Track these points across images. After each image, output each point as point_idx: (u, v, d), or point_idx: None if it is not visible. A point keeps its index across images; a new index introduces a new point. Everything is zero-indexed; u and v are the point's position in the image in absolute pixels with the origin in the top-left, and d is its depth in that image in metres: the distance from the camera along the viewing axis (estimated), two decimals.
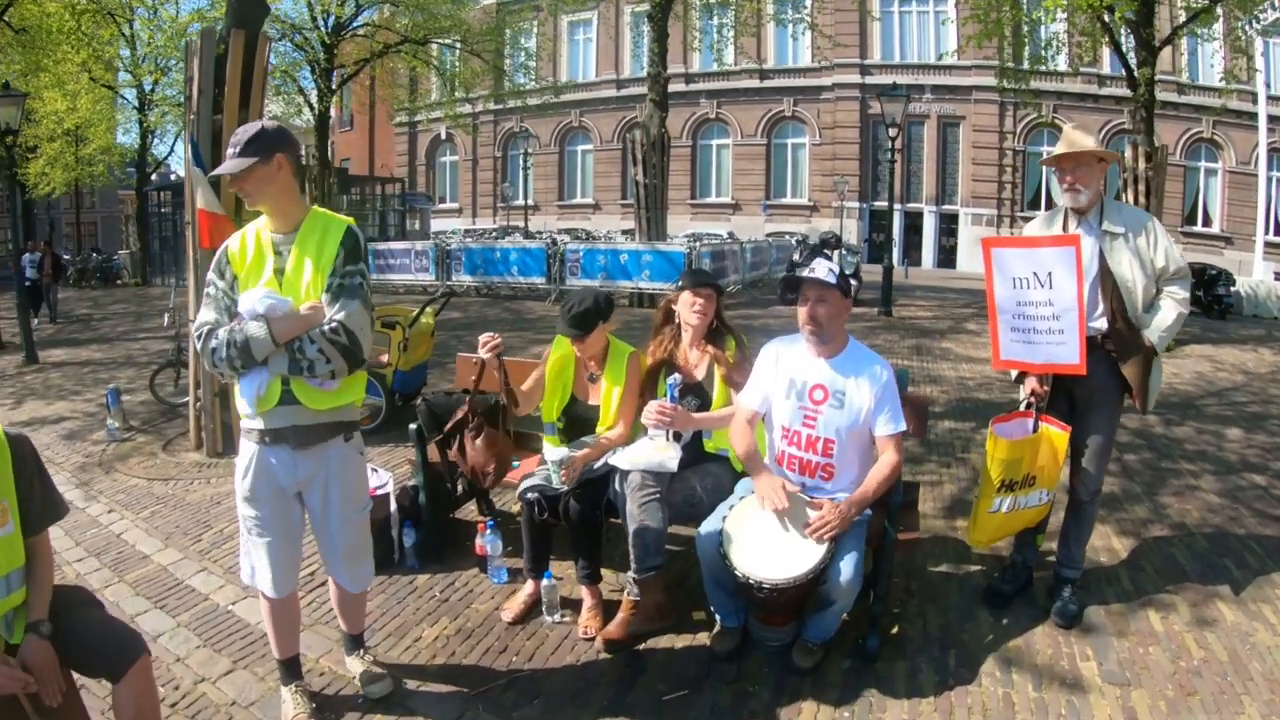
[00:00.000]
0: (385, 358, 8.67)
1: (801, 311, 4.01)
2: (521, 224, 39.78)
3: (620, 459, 4.31)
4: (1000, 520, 4.44)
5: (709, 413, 4.49)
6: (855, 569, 3.75)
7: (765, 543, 3.82)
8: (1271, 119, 32.63)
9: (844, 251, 20.63)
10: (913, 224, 41.46)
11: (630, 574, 4.34)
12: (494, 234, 35.26)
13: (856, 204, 41.63)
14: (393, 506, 5.28)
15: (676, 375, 4.38)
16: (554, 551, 4.77)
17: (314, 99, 26.31)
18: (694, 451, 4.57)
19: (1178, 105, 36.08)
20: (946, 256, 41.88)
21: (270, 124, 3.39)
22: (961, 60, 37.31)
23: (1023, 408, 4.56)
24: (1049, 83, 26.79)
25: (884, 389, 4.02)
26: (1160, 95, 32.02)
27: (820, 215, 42.16)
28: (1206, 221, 38.84)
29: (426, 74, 32.37)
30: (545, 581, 4.58)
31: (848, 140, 42.20)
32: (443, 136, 51.86)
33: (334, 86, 26.83)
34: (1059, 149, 4.43)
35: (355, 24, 26.57)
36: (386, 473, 5.59)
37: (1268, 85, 29.23)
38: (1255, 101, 33.93)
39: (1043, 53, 20.91)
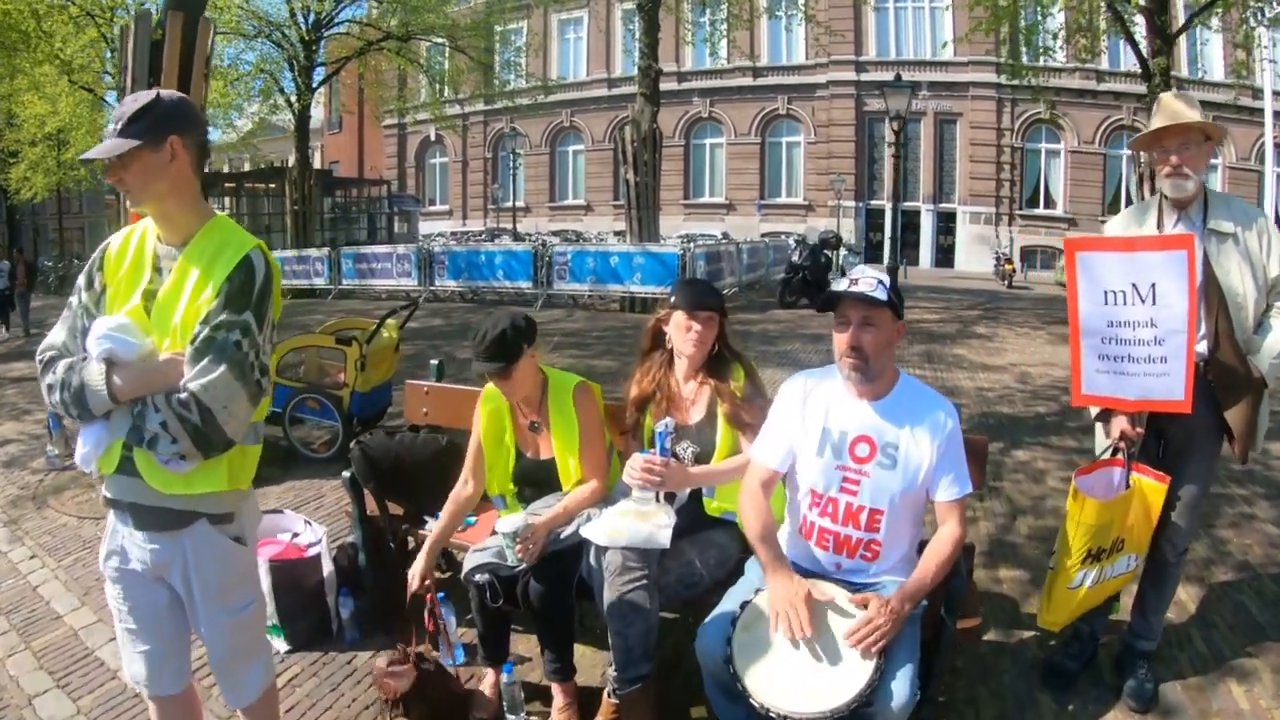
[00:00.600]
0: (342, 377, 7.89)
1: (840, 339, 3.04)
2: (512, 226, 38.92)
3: (596, 531, 3.32)
4: (1082, 596, 3.53)
5: (710, 466, 3.57)
6: (910, 685, 2.74)
7: (791, 660, 2.81)
8: (1276, 115, 31.93)
9: (845, 252, 19.79)
10: (910, 223, 40.60)
11: (610, 685, 3.43)
12: (481, 236, 34.40)
13: (853, 203, 40.96)
14: (326, 569, 4.36)
15: (668, 420, 3.46)
16: (517, 624, 3.95)
17: (293, 98, 25.54)
18: (692, 515, 3.58)
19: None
20: (944, 256, 41.22)
21: (169, 96, 2.45)
22: (958, 56, 36.97)
23: (1107, 454, 3.64)
24: (1046, 79, 26.20)
25: (948, 441, 3.05)
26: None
27: (816, 215, 41.48)
28: None
29: (414, 74, 31.66)
30: (505, 677, 3.62)
31: (843, 138, 41.54)
32: (432, 138, 51.26)
33: (314, 85, 26.05)
34: (1157, 122, 3.50)
35: (337, 21, 25.75)
36: (320, 527, 4.64)
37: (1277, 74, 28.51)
38: (1255, 97, 33.26)
39: (1047, 44, 20.13)
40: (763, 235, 34.91)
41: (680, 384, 3.73)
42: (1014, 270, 32.25)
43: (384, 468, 4.26)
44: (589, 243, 24.45)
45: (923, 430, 3.04)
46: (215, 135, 29.27)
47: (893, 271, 18.60)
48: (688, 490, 3.57)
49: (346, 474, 4.39)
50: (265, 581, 4.14)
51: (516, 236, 33.28)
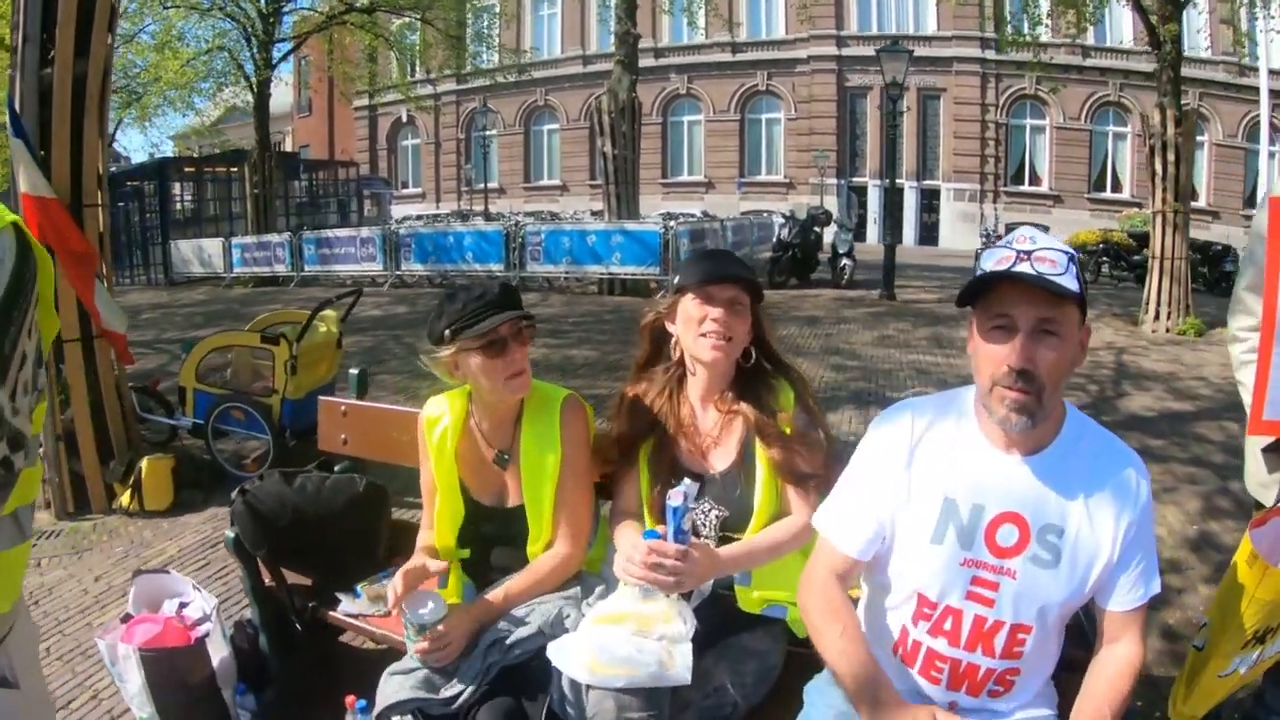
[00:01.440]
0: (271, 383, 6.74)
1: (994, 354, 1.89)
2: (484, 208, 37.68)
3: (570, 657, 2.19)
4: (1233, 683, 2.49)
5: (748, 541, 2.47)
6: None
7: None
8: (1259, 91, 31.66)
9: (837, 228, 18.72)
10: (893, 199, 39.71)
11: None
12: (447, 218, 33.04)
13: (835, 180, 39.73)
14: (219, 656, 3.21)
15: (686, 484, 2.30)
16: None
17: (253, 76, 24.23)
18: (719, 612, 2.45)
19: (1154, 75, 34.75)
20: (928, 233, 40.16)
21: None
22: (942, 31, 36.34)
23: None
24: (1035, 54, 25.52)
25: (1139, 519, 1.96)
26: (1146, 66, 31.79)
27: (797, 192, 40.16)
28: (1193, 195, 37.43)
29: (384, 52, 30.34)
30: None
31: (824, 114, 40.30)
32: (404, 119, 49.59)
33: (274, 62, 24.71)
34: None
35: None
36: (211, 598, 3.41)
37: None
38: (1241, 74, 33.12)
39: (1035, 17, 19.28)
40: (743, 213, 33.75)
41: (696, 411, 2.60)
42: None
43: (279, 526, 3.10)
44: (564, 222, 23.11)
45: (1104, 503, 1.95)
46: (180, 120, 27.92)
47: (890, 249, 17.44)
48: (712, 580, 2.42)
49: (230, 533, 3.19)
50: (137, 677, 3.05)
51: (489, 217, 31.97)
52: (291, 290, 20.41)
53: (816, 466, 2.44)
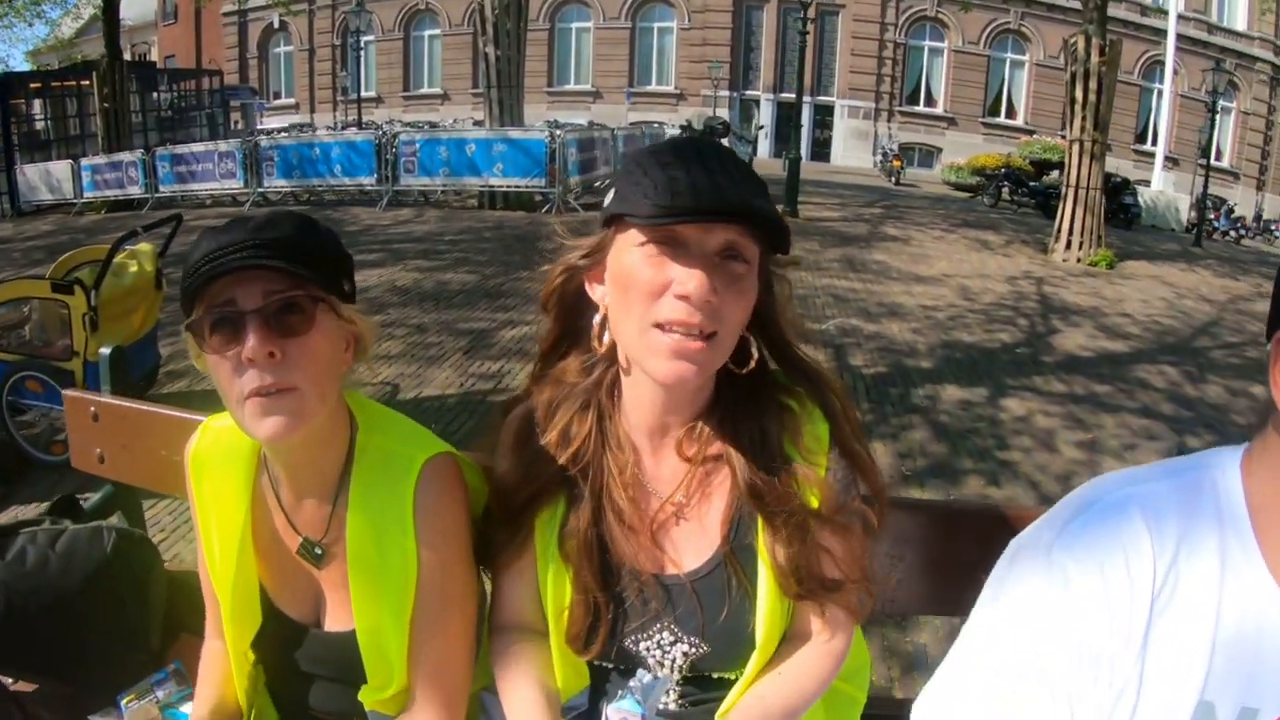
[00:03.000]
0: (69, 343, 5.36)
1: None
2: (359, 118, 35.81)
3: None
4: None
5: (751, 704, 1.30)
6: None
7: None
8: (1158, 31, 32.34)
9: (736, 139, 17.62)
10: (786, 114, 39.23)
11: None
12: (309, 128, 31.07)
13: (728, 93, 38.98)
14: None
15: (631, 693, 1.16)
16: None
17: None
18: None
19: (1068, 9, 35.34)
20: (820, 149, 39.54)
21: None
22: None
23: None
24: None
25: None
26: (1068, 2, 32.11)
27: (688, 104, 39.36)
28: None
29: None
30: None
31: (719, 25, 39.29)
32: (275, 25, 46.84)
33: None
34: None
35: None
36: None
37: None
38: (1144, 14, 34.35)
39: None
40: (632, 123, 32.76)
41: (642, 455, 1.35)
42: (902, 167, 31.12)
43: None
44: (442, 130, 21.49)
45: None
46: (29, 33, 25.19)
47: (794, 164, 16.49)
48: None
49: None
50: None
51: (361, 127, 30.08)
52: (146, 214, 18.34)
53: (860, 565, 1.30)
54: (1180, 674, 0.96)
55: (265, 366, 1.20)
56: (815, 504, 1.26)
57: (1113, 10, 32.80)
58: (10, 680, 2.08)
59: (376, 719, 1.46)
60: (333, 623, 1.45)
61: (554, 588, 1.32)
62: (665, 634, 1.31)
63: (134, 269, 5.70)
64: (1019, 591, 1.03)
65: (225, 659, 1.55)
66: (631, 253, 1.16)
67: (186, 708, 1.95)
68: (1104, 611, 0.96)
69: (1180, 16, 25.11)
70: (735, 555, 1.29)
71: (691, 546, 1.32)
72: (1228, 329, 9.82)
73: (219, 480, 1.46)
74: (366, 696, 1.43)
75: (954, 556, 1.66)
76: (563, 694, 1.34)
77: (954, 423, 5.93)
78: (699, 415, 1.31)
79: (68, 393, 2.45)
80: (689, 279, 1.11)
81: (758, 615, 1.29)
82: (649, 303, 1.15)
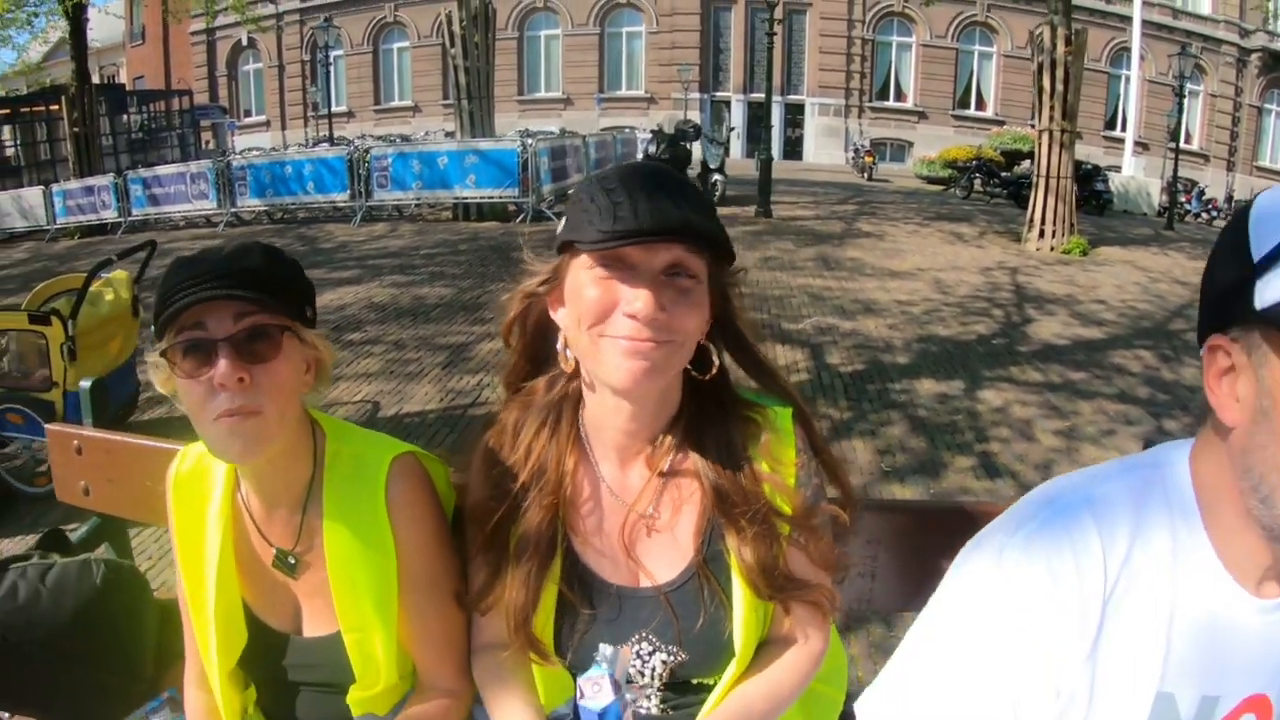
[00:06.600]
0: (48, 374, 5.39)
1: None
2: (329, 134, 35.66)
3: None
4: None
5: (732, 707, 1.34)
6: None
7: None
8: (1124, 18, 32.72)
9: (706, 143, 17.61)
10: (756, 114, 39.38)
11: None
12: (287, 149, 30.98)
13: (698, 95, 39.10)
14: None
15: (599, 667, 1.20)
16: None
17: None
18: None
19: None
20: (792, 148, 39.90)
21: None
22: None
23: None
24: None
25: None
26: None
27: (658, 108, 39.55)
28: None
29: None
30: None
31: (687, 28, 39.47)
32: (244, 43, 46.62)
33: None
34: None
35: None
36: None
37: None
38: (1109, 1, 34.60)
39: None
40: (603, 129, 32.82)
41: (606, 472, 1.39)
42: (874, 162, 31.31)
43: None
44: (414, 143, 21.43)
45: None
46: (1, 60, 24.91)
47: (766, 164, 16.49)
48: None
49: None
50: None
51: (333, 143, 30.00)
52: (120, 238, 18.33)
53: (831, 562, 1.36)
54: (1137, 669, 1.00)
55: (235, 390, 1.27)
56: (787, 509, 1.30)
57: (1119, 7, 33.47)
58: (7, 716, 2.12)
59: None
60: (312, 628, 1.52)
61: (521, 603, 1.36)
62: (644, 644, 1.34)
63: (110, 297, 5.70)
64: (967, 593, 1.06)
65: (207, 710, 1.62)
66: (582, 276, 1.22)
67: None
68: (1052, 615, 0.99)
69: (1145, 3, 25.32)
70: (708, 565, 1.33)
71: (665, 559, 1.36)
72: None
73: (199, 502, 1.52)
74: (354, 697, 1.50)
75: (927, 555, 1.70)
76: (547, 706, 1.38)
77: (932, 416, 5.95)
78: (665, 428, 1.35)
79: (50, 427, 2.48)
80: (635, 298, 1.16)
81: (734, 622, 1.33)
82: (600, 322, 1.19)
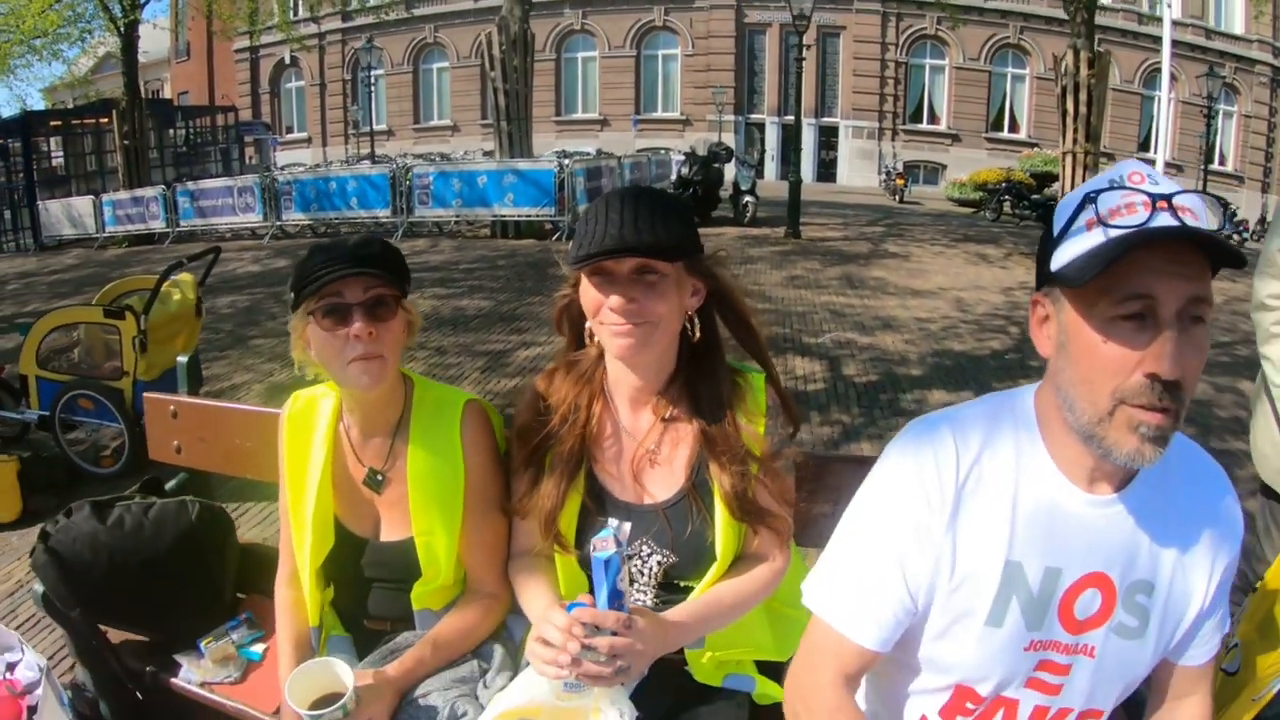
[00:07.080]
0: (121, 364, 5.85)
1: (1123, 358, 1.23)
2: (370, 151, 36.18)
3: None
4: (1263, 703, 1.91)
5: (705, 598, 1.81)
6: None
7: None
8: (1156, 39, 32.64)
9: (738, 165, 18.00)
10: (790, 137, 39.57)
11: None
12: (331, 165, 31.55)
13: (732, 117, 39.35)
14: None
15: (611, 528, 1.61)
16: None
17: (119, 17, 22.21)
18: (664, 694, 1.83)
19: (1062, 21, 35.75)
20: (826, 170, 40.23)
21: None
22: None
23: None
24: None
25: (1229, 565, 1.47)
26: (1047, 10, 32.35)
27: (694, 129, 39.46)
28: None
29: None
30: None
31: (722, 51, 39.83)
32: (287, 61, 47.39)
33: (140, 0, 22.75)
34: None
35: None
36: (39, 657, 2.34)
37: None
38: (1141, 22, 34.67)
39: None
40: (639, 150, 33.14)
41: (622, 418, 1.88)
42: (905, 185, 31.54)
43: (92, 578, 2.35)
44: (454, 163, 21.94)
45: (1202, 542, 1.45)
46: (48, 71, 25.60)
47: (795, 186, 16.74)
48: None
49: (37, 588, 2.42)
50: None
51: (375, 160, 30.59)
52: (167, 248, 19.00)
53: (789, 497, 1.81)
54: (988, 540, 1.40)
55: (365, 340, 1.80)
56: (757, 452, 1.76)
57: (1109, 20, 33.34)
58: (119, 631, 2.57)
59: (423, 618, 2.00)
60: (388, 534, 2.02)
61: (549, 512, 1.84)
62: (644, 547, 1.80)
63: (177, 297, 6.15)
64: (866, 488, 1.51)
65: (294, 603, 2.09)
66: (585, 282, 1.71)
67: (257, 647, 2.50)
68: (920, 496, 1.42)
69: (1176, 23, 25.28)
70: (696, 489, 1.79)
71: (663, 483, 1.82)
72: (1220, 328, 10.00)
73: (307, 433, 2.03)
74: (417, 592, 1.98)
75: None
76: (566, 597, 1.82)
77: None
78: (667, 383, 1.82)
79: (149, 395, 3.02)
80: (615, 301, 1.65)
81: (716, 533, 1.77)
82: (597, 314, 1.70)
